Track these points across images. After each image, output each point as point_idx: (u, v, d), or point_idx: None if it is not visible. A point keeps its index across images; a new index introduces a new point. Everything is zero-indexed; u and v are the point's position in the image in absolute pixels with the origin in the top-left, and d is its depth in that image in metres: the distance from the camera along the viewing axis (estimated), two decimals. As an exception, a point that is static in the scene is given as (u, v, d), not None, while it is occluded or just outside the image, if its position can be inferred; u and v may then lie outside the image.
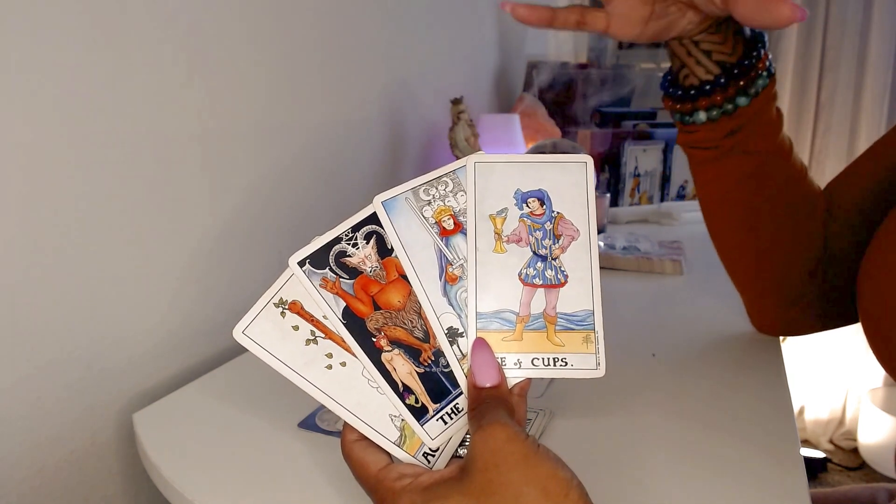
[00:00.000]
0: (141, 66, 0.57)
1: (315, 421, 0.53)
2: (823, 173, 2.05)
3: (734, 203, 0.56)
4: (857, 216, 0.55)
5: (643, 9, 0.47)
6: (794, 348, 2.08)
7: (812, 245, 0.56)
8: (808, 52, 2.03)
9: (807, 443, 2.14)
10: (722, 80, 0.49)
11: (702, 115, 0.51)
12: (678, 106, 0.53)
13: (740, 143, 0.52)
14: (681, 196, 1.35)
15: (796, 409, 2.13)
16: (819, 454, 2.02)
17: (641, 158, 1.30)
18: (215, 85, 0.66)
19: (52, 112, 0.50)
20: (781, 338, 0.67)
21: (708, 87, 0.50)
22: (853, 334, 2.04)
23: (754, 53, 0.49)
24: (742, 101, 0.50)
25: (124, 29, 0.55)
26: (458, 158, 1.17)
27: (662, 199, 1.34)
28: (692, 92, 0.51)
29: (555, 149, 1.19)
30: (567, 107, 1.64)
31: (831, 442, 2.13)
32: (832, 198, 0.57)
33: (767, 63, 0.50)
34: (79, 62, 0.51)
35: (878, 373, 2.06)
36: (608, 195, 1.23)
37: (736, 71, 0.49)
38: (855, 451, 2.07)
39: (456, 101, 1.13)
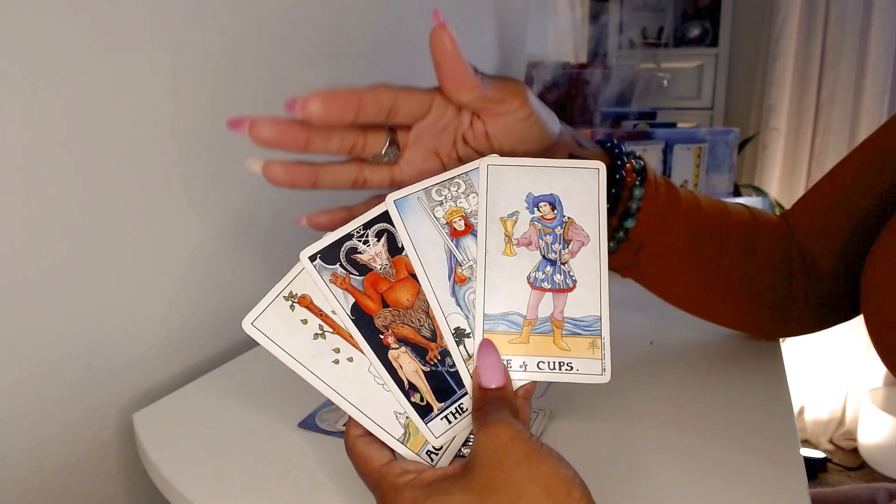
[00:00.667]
0: (141, 66, 0.57)
1: (315, 421, 0.53)
2: (823, 173, 2.05)
3: (686, 286, 0.56)
4: (833, 226, 0.56)
5: (433, 160, 0.40)
6: (794, 348, 2.08)
7: (779, 260, 0.57)
8: (808, 52, 2.04)
9: (807, 443, 2.14)
10: None
11: None
12: None
13: (653, 251, 0.51)
14: (681, 196, 1.35)
15: (796, 409, 2.13)
16: (819, 454, 2.03)
17: (642, 158, 1.30)
18: (216, 83, 0.65)
19: (52, 112, 0.49)
20: (781, 338, 0.67)
21: None
22: (853, 334, 2.04)
23: (616, 176, 0.47)
24: (629, 223, 0.48)
25: (125, 29, 0.55)
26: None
27: (662, 199, 1.34)
28: None
29: (555, 148, 1.19)
30: (567, 107, 1.64)
31: (831, 442, 2.14)
32: (803, 215, 0.59)
33: (634, 168, 0.48)
34: (79, 62, 0.51)
35: (878, 373, 2.07)
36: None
37: (609, 206, 0.47)
38: (855, 451, 2.08)
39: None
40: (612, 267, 0.54)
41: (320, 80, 0.83)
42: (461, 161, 0.39)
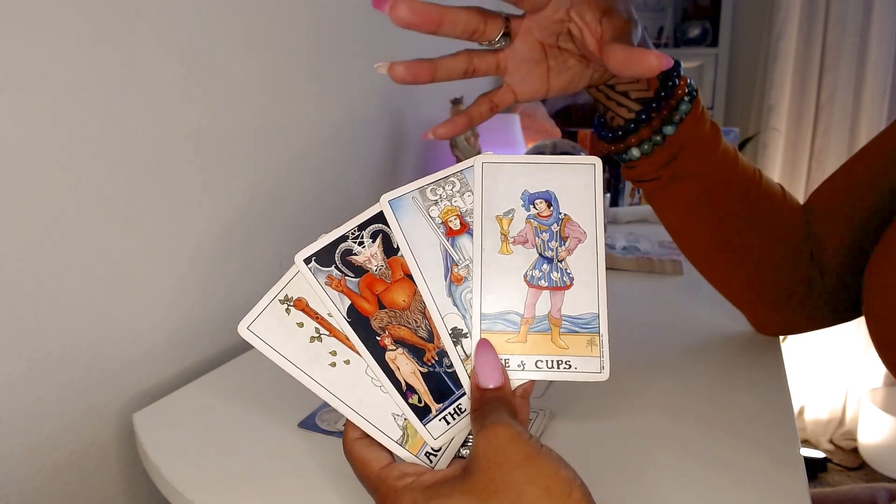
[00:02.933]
0: (142, 67, 0.57)
1: (315, 421, 0.53)
2: (823, 173, 2.05)
3: (694, 225, 0.57)
4: (854, 214, 0.56)
5: (538, 69, 0.46)
6: (794, 348, 2.08)
7: (790, 244, 0.57)
8: (808, 52, 2.03)
9: (807, 443, 2.14)
10: (643, 116, 0.51)
11: (635, 152, 0.53)
12: (612, 147, 0.54)
13: (680, 169, 0.53)
14: (681, 196, 1.35)
15: (796, 409, 2.13)
16: (819, 454, 2.03)
17: (641, 158, 1.30)
18: (216, 85, 0.65)
19: (53, 112, 0.49)
20: (781, 338, 0.67)
21: (633, 125, 0.51)
22: (853, 334, 2.04)
23: (669, 83, 0.50)
24: (669, 129, 0.51)
25: (125, 29, 0.55)
26: (458, 158, 1.17)
27: (662, 199, 1.34)
28: (620, 132, 0.52)
29: (555, 149, 1.19)
30: (567, 106, 1.64)
31: (831, 442, 2.14)
32: (816, 205, 0.58)
33: (687, 88, 0.51)
34: (80, 62, 0.51)
35: (878, 373, 2.06)
36: (608, 195, 1.23)
37: (655, 104, 0.50)
38: (855, 451, 2.07)
39: (456, 101, 1.13)
40: (636, 177, 0.56)
41: (328, 79, 0.84)
42: (560, 54, 0.45)
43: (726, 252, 0.58)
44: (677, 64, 0.51)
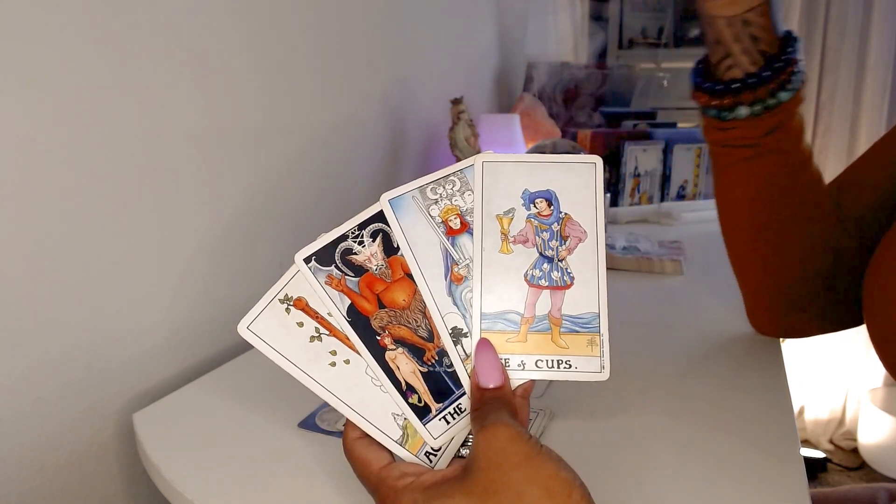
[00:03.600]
0: (142, 67, 0.57)
1: (315, 421, 0.53)
2: (823, 173, 2.05)
3: (757, 205, 0.54)
4: (860, 220, 0.55)
5: None
6: (794, 348, 2.08)
7: (822, 252, 0.56)
8: (808, 52, 2.03)
9: (807, 443, 2.14)
10: (765, 74, 0.48)
11: (743, 111, 0.49)
12: (715, 101, 0.51)
13: (778, 142, 0.50)
14: (681, 196, 1.35)
15: (796, 409, 2.13)
16: (819, 454, 2.03)
17: (641, 158, 1.30)
18: (216, 85, 0.65)
19: (53, 112, 0.49)
20: (781, 338, 0.67)
21: (752, 80, 0.48)
22: (853, 334, 2.04)
23: (789, 49, 0.48)
24: (784, 95, 0.48)
25: (126, 29, 0.55)
26: (458, 158, 1.17)
27: (662, 199, 1.34)
28: (735, 85, 0.49)
29: (555, 149, 1.19)
30: (567, 107, 1.64)
31: (831, 442, 2.14)
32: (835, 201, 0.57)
33: (799, 65, 0.49)
34: (80, 62, 0.51)
35: (878, 373, 2.06)
36: (608, 195, 1.23)
37: (777, 64, 0.48)
38: (855, 451, 2.07)
39: (456, 101, 1.13)
40: (730, 139, 0.52)
41: (328, 79, 0.84)
42: None
43: (768, 245, 0.56)
44: (789, 31, 0.49)
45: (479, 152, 0.36)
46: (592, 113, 1.60)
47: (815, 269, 0.57)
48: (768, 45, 0.48)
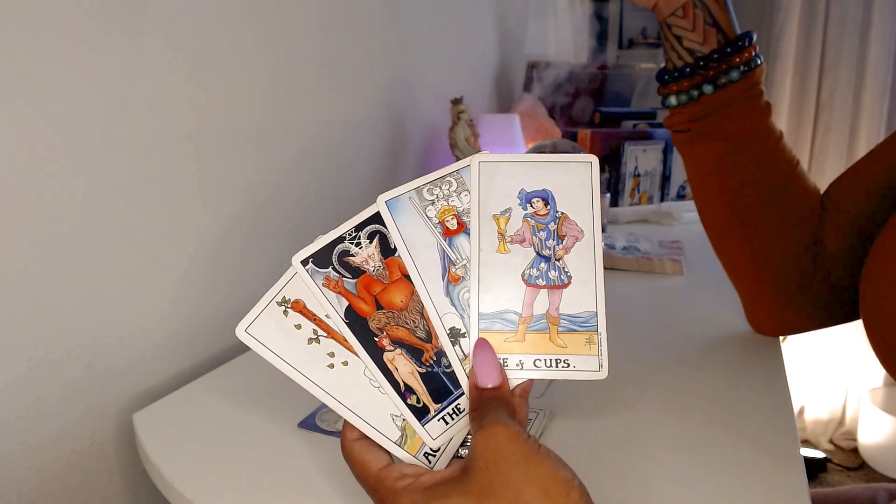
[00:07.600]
0: (142, 67, 0.57)
1: (315, 421, 0.53)
2: (823, 173, 2.05)
3: (713, 185, 0.59)
4: (859, 217, 0.55)
5: None
6: (794, 348, 2.08)
7: (806, 232, 0.58)
8: (808, 52, 2.03)
9: (807, 443, 2.14)
10: (687, 70, 0.55)
11: (672, 99, 0.57)
12: (659, 89, 0.58)
13: (709, 129, 0.56)
14: (681, 196, 1.35)
15: (796, 409, 2.13)
16: (819, 454, 2.03)
17: (641, 158, 1.30)
18: (216, 85, 0.66)
19: (54, 112, 0.50)
20: (781, 338, 0.67)
21: (676, 74, 0.56)
22: (853, 334, 2.04)
23: (728, 49, 0.54)
24: (707, 88, 0.55)
25: (125, 29, 0.55)
26: (457, 158, 1.17)
27: (662, 199, 1.34)
28: (665, 77, 0.57)
29: (555, 149, 1.19)
30: (567, 107, 1.64)
31: (831, 442, 2.14)
32: (834, 197, 0.57)
33: (750, 58, 0.54)
34: (80, 62, 0.51)
35: (878, 373, 2.06)
36: (608, 195, 1.23)
37: (702, 62, 0.54)
38: (855, 451, 2.07)
39: (456, 101, 1.13)
40: (670, 124, 0.60)
41: (327, 79, 0.84)
42: None
43: (740, 227, 0.59)
44: (748, 34, 0.55)
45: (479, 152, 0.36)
46: (592, 113, 1.60)
47: (795, 264, 0.58)
48: (696, 44, 0.55)
